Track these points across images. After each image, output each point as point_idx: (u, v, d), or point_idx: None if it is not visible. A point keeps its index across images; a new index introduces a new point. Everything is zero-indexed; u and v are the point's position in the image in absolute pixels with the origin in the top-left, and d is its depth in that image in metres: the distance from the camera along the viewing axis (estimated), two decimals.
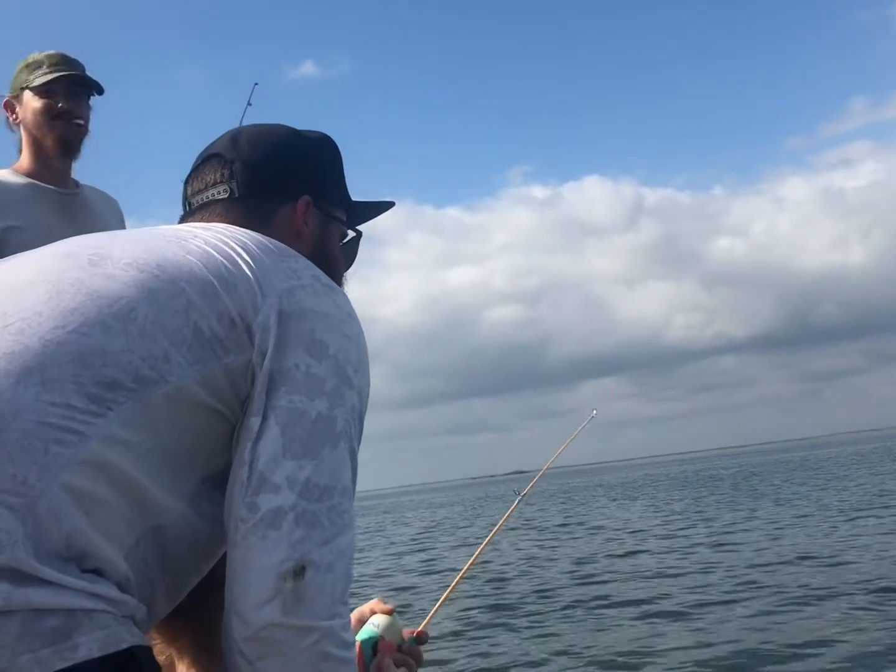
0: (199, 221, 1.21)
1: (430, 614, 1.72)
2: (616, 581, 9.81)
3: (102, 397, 0.90)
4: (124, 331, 0.94)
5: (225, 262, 1.03)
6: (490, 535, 2.10)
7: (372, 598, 1.47)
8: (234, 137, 1.25)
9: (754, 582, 8.53)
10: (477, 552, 1.95)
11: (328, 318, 1.04)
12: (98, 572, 0.88)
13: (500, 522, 2.19)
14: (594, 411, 2.99)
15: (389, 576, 13.20)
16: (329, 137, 1.33)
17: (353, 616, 1.40)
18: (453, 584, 1.85)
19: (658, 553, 11.85)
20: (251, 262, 1.04)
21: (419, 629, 1.49)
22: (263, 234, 1.13)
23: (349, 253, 1.34)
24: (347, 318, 1.07)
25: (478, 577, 11.14)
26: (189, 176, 1.27)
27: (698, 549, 11.76)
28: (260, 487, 0.95)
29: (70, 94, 2.42)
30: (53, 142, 2.43)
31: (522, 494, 2.52)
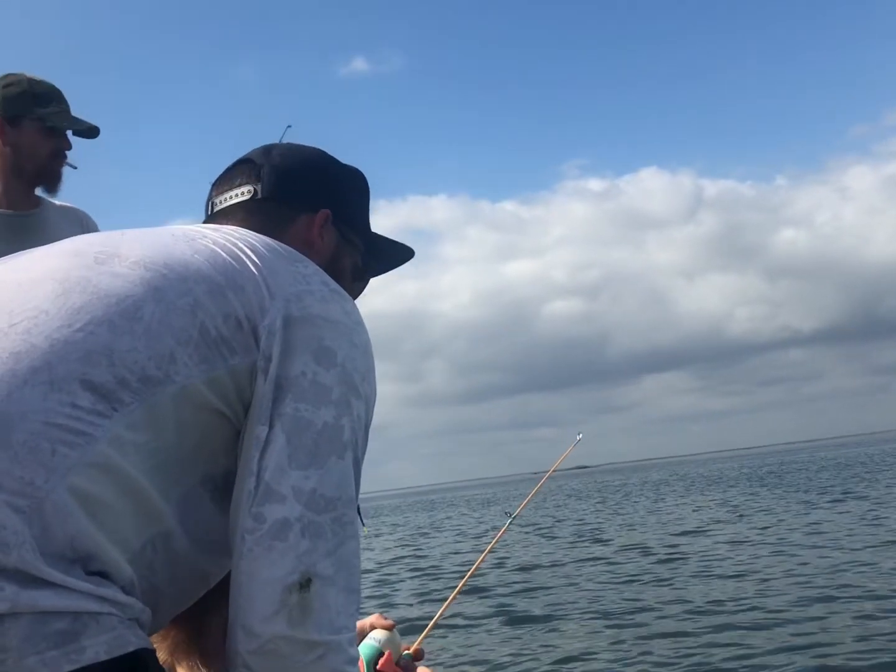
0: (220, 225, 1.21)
1: (425, 630, 1.73)
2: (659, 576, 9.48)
3: (109, 397, 0.89)
4: (131, 330, 0.93)
5: (233, 262, 1.02)
6: (479, 559, 2.11)
7: (373, 613, 1.48)
8: (268, 148, 1.28)
9: None
10: (468, 575, 2.02)
11: (336, 326, 1.03)
12: (103, 575, 0.87)
13: (490, 545, 2.20)
14: (579, 435, 3.02)
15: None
16: (361, 172, 1.35)
17: None
18: (447, 602, 1.85)
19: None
20: (259, 264, 1.03)
21: (415, 646, 1.50)
22: (278, 239, 1.12)
23: (357, 289, 1.34)
24: (356, 325, 1.07)
25: (501, 575, 10.85)
26: (218, 178, 1.28)
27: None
28: (266, 498, 0.94)
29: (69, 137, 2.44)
30: (50, 180, 2.43)
31: (514, 516, 2.61)
